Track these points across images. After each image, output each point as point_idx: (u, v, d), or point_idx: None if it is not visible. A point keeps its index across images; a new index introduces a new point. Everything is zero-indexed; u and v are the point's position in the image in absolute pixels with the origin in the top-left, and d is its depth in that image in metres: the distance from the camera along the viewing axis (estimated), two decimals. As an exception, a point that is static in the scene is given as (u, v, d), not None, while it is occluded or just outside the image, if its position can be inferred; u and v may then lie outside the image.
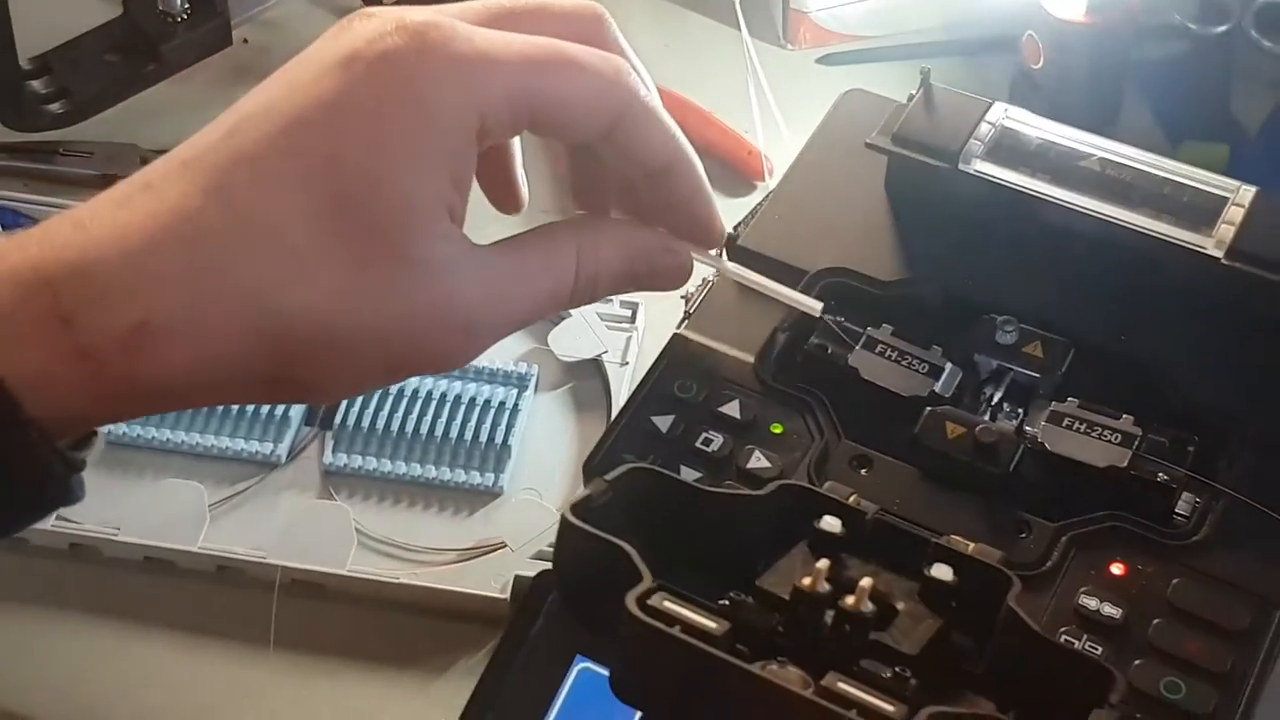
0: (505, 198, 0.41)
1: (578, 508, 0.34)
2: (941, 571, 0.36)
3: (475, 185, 0.36)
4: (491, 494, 0.58)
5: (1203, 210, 0.44)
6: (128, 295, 0.31)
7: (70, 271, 0.30)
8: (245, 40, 0.75)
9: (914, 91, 0.48)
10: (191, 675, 0.53)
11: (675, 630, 0.31)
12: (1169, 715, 0.37)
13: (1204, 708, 0.37)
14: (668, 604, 0.31)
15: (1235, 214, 0.44)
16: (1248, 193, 0.45)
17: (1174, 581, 0.39)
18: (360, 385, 0.36)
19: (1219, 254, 0.43)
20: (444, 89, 0.33)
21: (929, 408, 0.42)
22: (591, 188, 0.41)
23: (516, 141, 0.40)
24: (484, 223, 0.38)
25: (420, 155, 0.32)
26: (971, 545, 0.38)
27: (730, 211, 0.43)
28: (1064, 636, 0.38)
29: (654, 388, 0.44)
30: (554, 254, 0.37)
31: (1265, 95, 0.69)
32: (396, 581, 0.54)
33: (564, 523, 0.34)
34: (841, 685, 0.31)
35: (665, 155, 0.37)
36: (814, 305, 0.43)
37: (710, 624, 0.31)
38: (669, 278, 0.39)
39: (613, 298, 0.63)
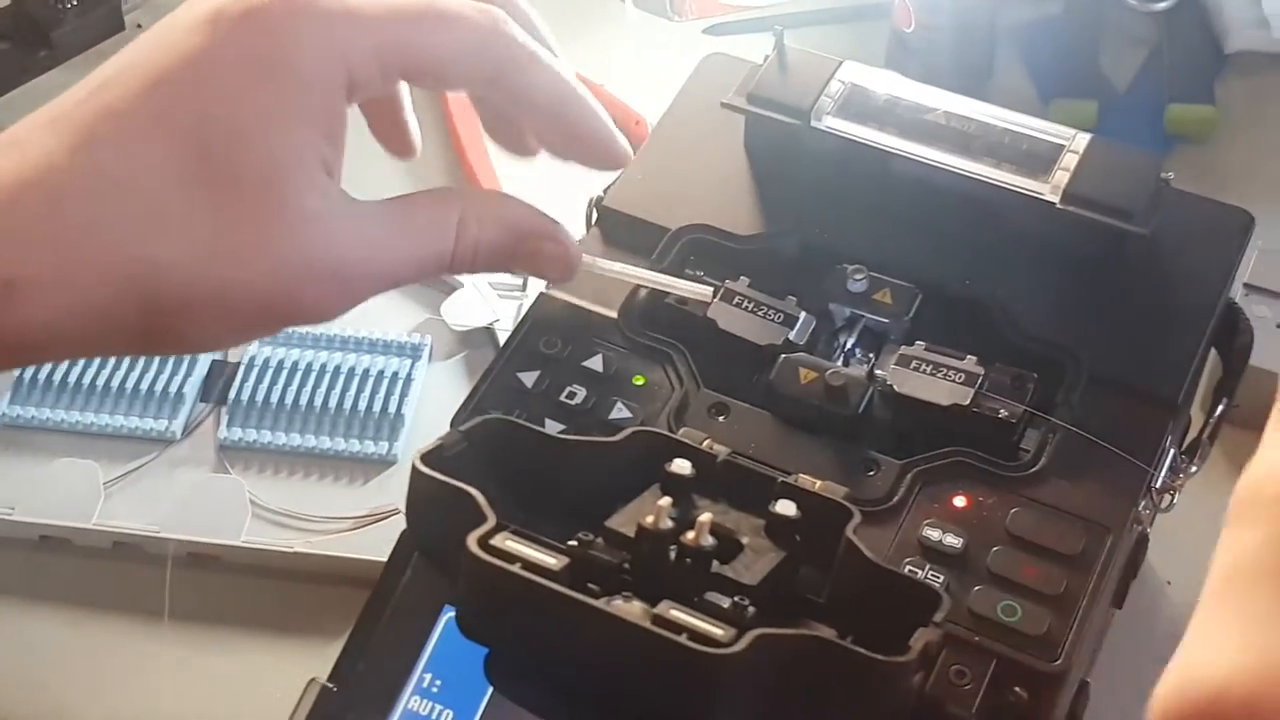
0: (396, 143, 0.41)
1: (429, 456, 0.35)
2: (785, 507, 0.38)
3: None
4: (386, 462, 0.59)
5: (1040, 158, 0.46)
6: None
7: None
8: (139, 25, 0.75)
9: (769, 53, 0.50)
10: (88, 650, 0.54)
11: (515, 567, 0.32)
12: (1006, 637, 0.39)
13: (1038, 628, 0.39)
14: (509, 543, 0.33)
15: (1070, 161, 0.46)
16: (1083, 140, 0.46)
17: (1012, 511, 0.41)
18: (235, 336, 0.36)
19: (1054, 199, 0.45)
20: (308, 44, 0.33)
21: (783, 355, 0.44)
22: (502, 126, 0.41)
23: (404, 88, 0.40)
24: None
25: (286, 110, 0.33)
26: (818, 483, 0.40)
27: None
28: (908, 567, 0.40)
29: (520, 345, 0.45)
30: (438, 216, 0.37)
31: (1133, 52, 0.72)
32: (291, 550, 0.56)
33: (414, 470, 0.35)
34: (674, 612, 0.32)
35: (553, 97, 0.38)
36: (704, 291, 0.45)
37: (549, 560, 0.33)
38: (552, 267, 0.40)
39: (503, 266, 0.64)
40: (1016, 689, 0.38)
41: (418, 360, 0.61)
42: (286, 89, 0.33)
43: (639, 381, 0.45)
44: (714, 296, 0.45)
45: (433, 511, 0.35)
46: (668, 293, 0.46)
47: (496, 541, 0.33)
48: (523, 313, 0.63)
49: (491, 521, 0.33)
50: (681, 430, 0.42)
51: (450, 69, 0.36)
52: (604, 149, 0.40)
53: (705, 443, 0.41)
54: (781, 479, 0.39)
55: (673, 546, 0.35)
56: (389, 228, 0.36)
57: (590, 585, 0.34)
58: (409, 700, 0.40)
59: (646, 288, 0.46)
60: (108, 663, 0.53)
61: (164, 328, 0.33)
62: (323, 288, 0.34)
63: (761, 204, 0.49)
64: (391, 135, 0.41)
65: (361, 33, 0.34)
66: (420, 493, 0.35)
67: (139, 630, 0.54)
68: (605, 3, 0.77)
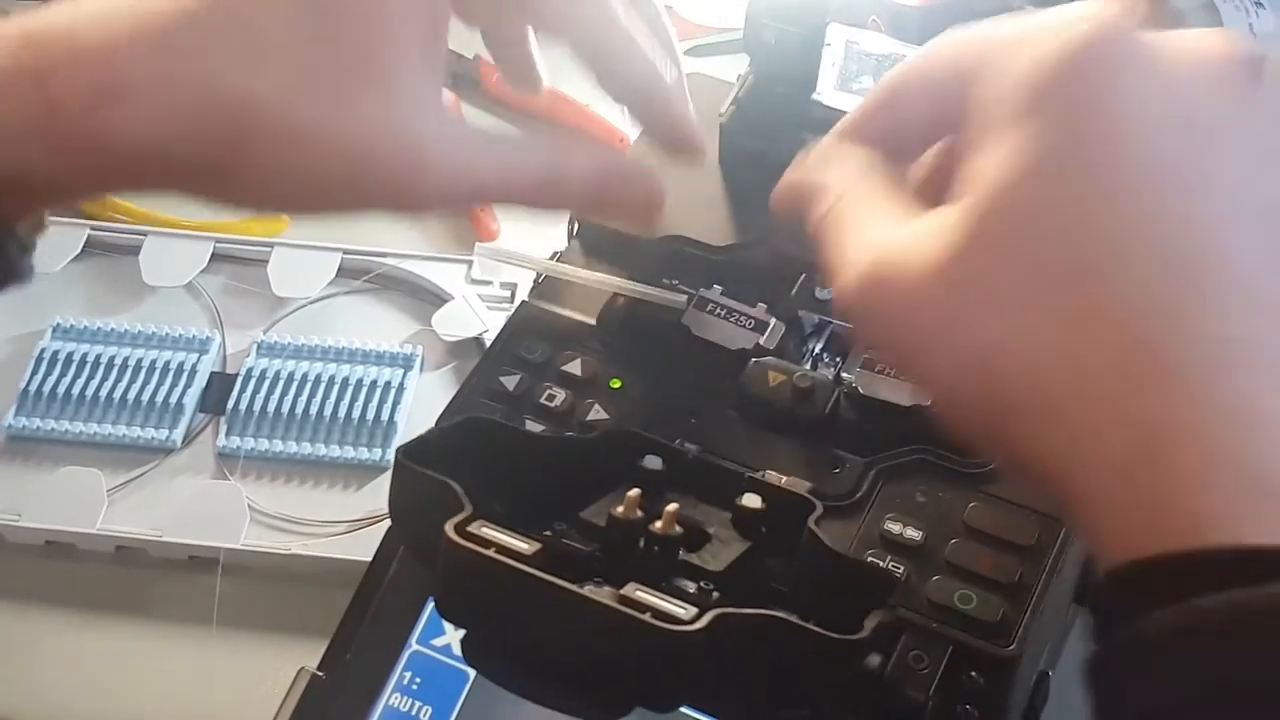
0: (523, 80, 0.43)
1: (410, 449, 0.37)
2: (750, 500, 0.40)
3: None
4: (379, 468, 0.61)
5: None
6: (103, 58, 0.33)
7: (53, 34, 0.33)
8: None
9: (741, 73, 0.52)
10: (92, 651, 0.56)
11: (490, 552, 0.34)
12: (963, 624, 0.41)
13: (993, 615, 0.41)
14: (485, 530, 0.35)
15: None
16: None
17: (970, 505, 0.43)
18: (297, 194, 0.36)
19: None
20: None
21: (753, 359, 0.46)
22: (521, 68, 0.43)
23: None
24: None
25: None
26: (784, 479, 0.42)
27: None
28: (870, 558, 0.42)
29: (502, 350, 0.47)
30: (533, 141, 0.38)
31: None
32: (288, 553, 0.58)
33: (396, 463, 0.37)
34: (640, 593, 0.34)
35: (642, 84, 0.39)
36: (679, 299, 0.47)
37: (523, 545, 0.35)
38: (635, 207, 0.40)
39: (491, 279, 0.66)
40: (972, 673, 0.40)
41: (409, 370, 0.64)
42: None
43: (616, 385, 0.47)
44: (688, 304, 0.48)
45: (414, 502, 0.37)
46: (644, 300, 0.48)
47: (473, 528, 0.35)
48: (510, 323, 0.66)
49: (469, 510, 0.35)
50: (655, 430, 0.44)
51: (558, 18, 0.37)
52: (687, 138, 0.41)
53: (677, 441, 0.43)
54: (749, 474, 0.41)
55: (642, 536, 0.37)
56: (478, 139, 0.36)
57: (564, 572, 0.36)
58: (390, 695, 0.42)
59: (624, 296, 0.48)
60: (111, 663, 0.55)
61: (237, 164, 0.34)
62: (397, 163, 0.35)
63: (734, 216, 0.51)
64: (514, 68, 0.42)
65: None
66: (402, 484, 0.37)
67: (141, 631, 0.56)
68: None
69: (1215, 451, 0.26)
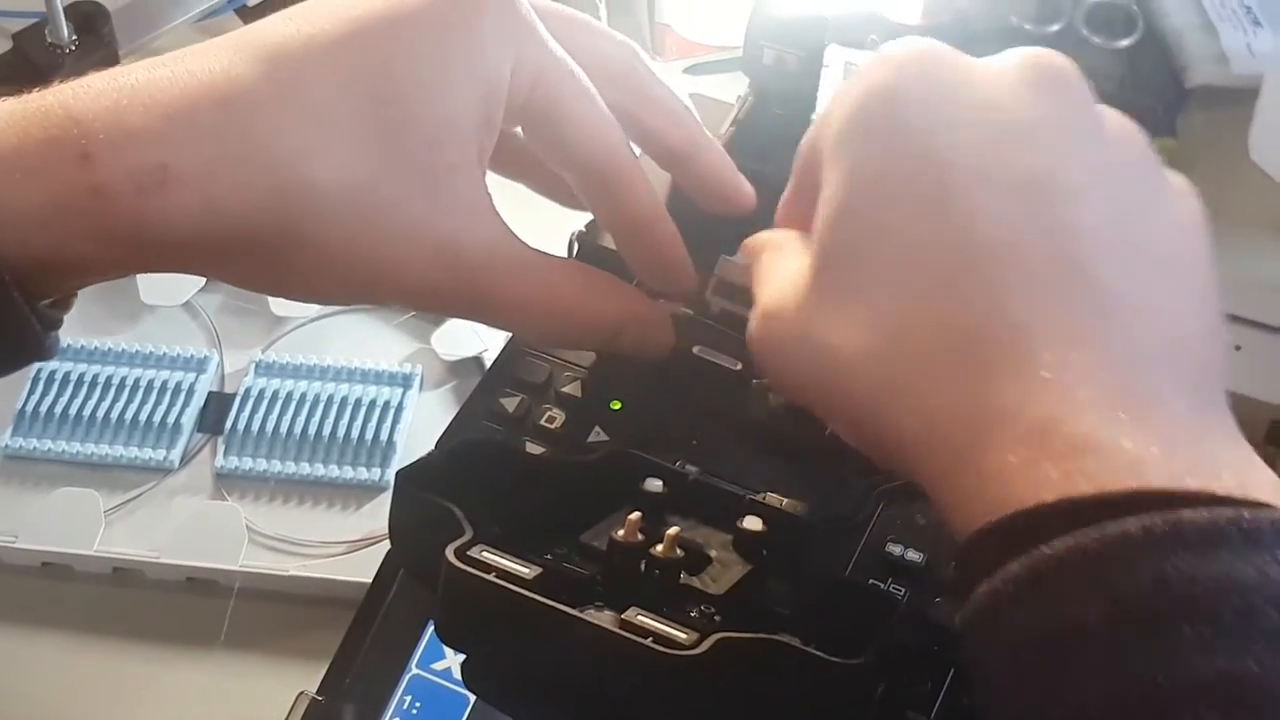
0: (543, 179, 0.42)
1: (410, 473, 0.37)
2: (751, 523, 0.40)
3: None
4: (378, 488, 0.61)
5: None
6: (153, 138, 0.31)
7: (99, 113, 0.31)
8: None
9: (741, 94, 0.52)
10: (89, 673, 0.56)
11: (490, 576, 0.34)
12: (966, 645, 0.41)
13: (996, 636, 0.41)
14: (485, 554, 0.35)
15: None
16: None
17: (973, 526, 0.43)
18: (338, 288, 0.36)
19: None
20: (495, 29, 0.35)
21: (755, 380, 0.46)
22: (550, 177, 0.42)
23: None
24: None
25: (466, 81, 0.34)
26: (785, 501, 0.42)
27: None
28: (871, 581, 0.42)
29: (501, 372, 0.47)
30: (568, 274, 0.39)
31: (1097, 88, 0.74)
32: (286, 574, 0.57)
33: (396, 486, 0.37)
34: (640, 618, 0.34)
35: (641, 216, 0.40)
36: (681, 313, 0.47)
37: (523, 570, 0.34)
38: (651, 351, 0.42)
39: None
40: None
41: (409, 389, 0.63)
42: (470, 63, 0.34)
43: (616, 406, 0.47)
44: (689, 324, 0.47)
45: (414, 526, 0.37)
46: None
47: (474, 552, 0.34)
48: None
49: (469, 534, 0.35)
50: (656, 452, 0.44)
51: (567, 144, 0.37)
52: (733, 193, 0.42)
53: (678, 463, 0.43)
54: (750, 496, 0.41)
55: (643, 560, 0.37)
56: (522, 258, 0.37)
57: (564, 596, 0.36)
58: (392, 716, 0.41)
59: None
60: (108, 685, 0.55)
61: (287, 255, 0.33)
62: (434, 272, 0.35)
63: (736, 237, 0.51)
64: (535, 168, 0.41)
65: (537, 51, 0.36)
66: (402, 508, 0.37)
67: (139, 653, 0.56)
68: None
69: (1035, 422, 0.28)
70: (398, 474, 0.37)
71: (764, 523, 0.40)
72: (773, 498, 0.42)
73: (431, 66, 0.34)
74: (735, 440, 0.46)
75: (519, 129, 0.38)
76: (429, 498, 0.36)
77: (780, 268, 0.35)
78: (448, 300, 0.36)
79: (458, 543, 0.35)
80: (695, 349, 0.47)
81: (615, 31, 0.39)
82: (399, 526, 0.38)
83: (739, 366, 0.47)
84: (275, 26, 0.34)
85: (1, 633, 0.57)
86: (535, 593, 0.34)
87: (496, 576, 0.34)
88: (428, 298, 0.36)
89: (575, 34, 0.38)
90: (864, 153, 0.32)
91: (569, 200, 0.43)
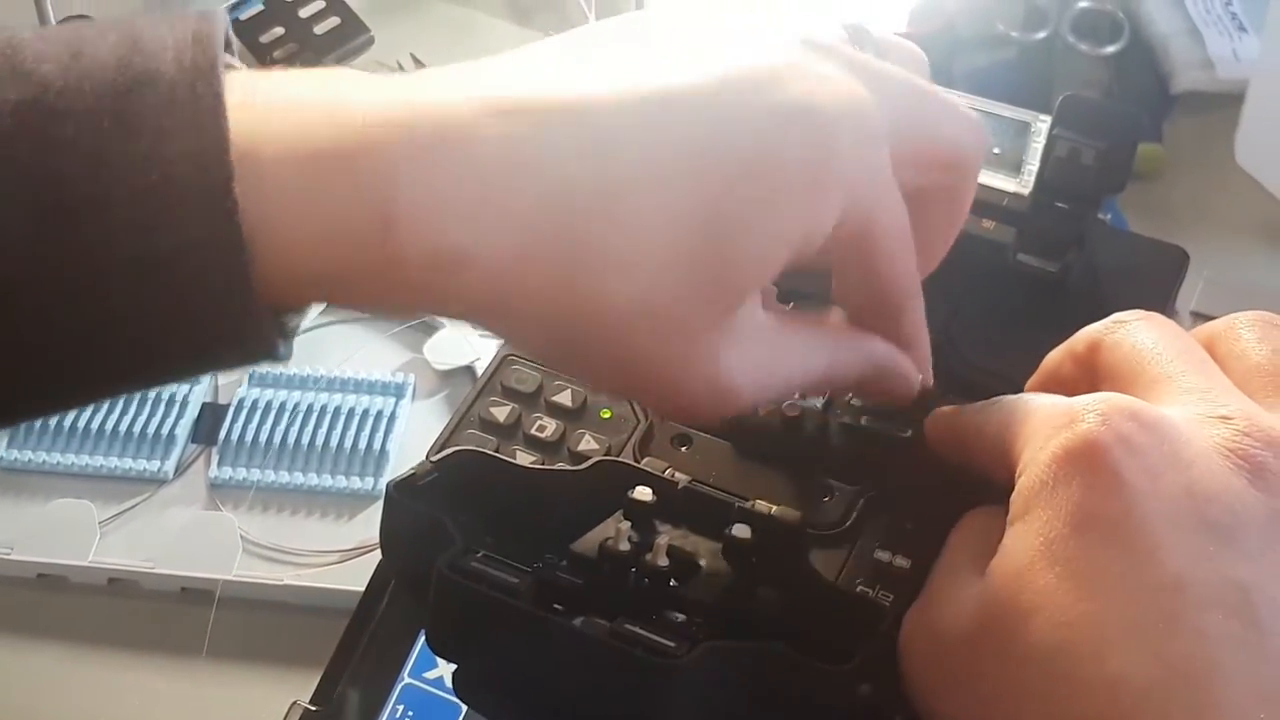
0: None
1: (402, 485, 0.37)
2: (740, 530, 0.40)
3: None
4: (371, 497, 0.61)
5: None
6: (460, 223, 0.29)
7: (408, 170, 0.29)
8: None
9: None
10: (85, 683, 0.56)
11: (481, 586, 0.34)
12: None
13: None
14: (475, 565, 0.35)
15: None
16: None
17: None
18: (609, 386, 0.36)
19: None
20: (843, 173, 0.32)
21: (742, 388, 0.47)
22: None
23: None
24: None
25: (793, 220, 0.32)
26: (773, 508, 0.42)
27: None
28: (860, 587, 0.42)
29: (492, 381, 0.47)
30: (819, 345, 0.37)
31: (1084, 94, 0.75)
32: (280, 583, 0.58)
33: (387, 498, 0.37)
34: (629, 627, 0.34)
35: (899, 291, 0.38)
36: None
37: (513, 580, 0.35)
38: (896, 400, 0.40)
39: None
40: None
41: (401, 399, 0.64)
42: (806, 207, 0.32)
43: (606, 415, 0.47)
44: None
45: (405, 537, 0.37)
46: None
47: (464, 563, 0.35)
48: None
49: (460, 544, 0.35)
50: (645, 460, 0.45)
51: (965, 160, 0.36)
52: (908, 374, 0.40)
53: (667, 471, 0.43)
54: (738, 504, 0.41)
55: (633, 569, 0.38)
56: (780, 353, 0.35)
57: (555, 605, 0.36)
58: (387, 724, 0.42)
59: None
60: (103, 695, 0.56)
61: (565, 348, 0.33)
62: (706, 398, 0.34)
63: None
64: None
65: (871, 182, 0.32)
66: (393, 519, 0.37)
67: (133, 662, 0.56)
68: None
69: None
70: (388, 485, 0.37)
71: (753, 530, 0.40)
72: (761, 504, 0.42)
73: (764, 208, 0.31)
74: (725, 448, 0.46)
75: None
76: (420, 508, 0.36)
77: (962, 575, 0.34)
78: (714, 415, 0.35)
79: (449, 553, 0.35)
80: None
81: (972, 113, 0.36)
82: (390, 537, 0.38)
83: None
84: (621, 113, 0.30)
85: (8, 650, 0.57)
86: (526, 602, 0.34)
87: (488, 587, 0.34)
88: (697, 416, 0.36)
89: (927, 110, 0.35)
90: (1076, 522, 0.31)
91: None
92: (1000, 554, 0.32)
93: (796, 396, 0.43)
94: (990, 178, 0.51)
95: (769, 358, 0.35)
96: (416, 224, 0.29)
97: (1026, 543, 0.31)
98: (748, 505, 0.42)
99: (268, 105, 0.29)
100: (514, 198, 0.29)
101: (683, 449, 0.46)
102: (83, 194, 0.27)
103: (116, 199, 0.27)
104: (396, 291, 0.30)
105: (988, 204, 0.51)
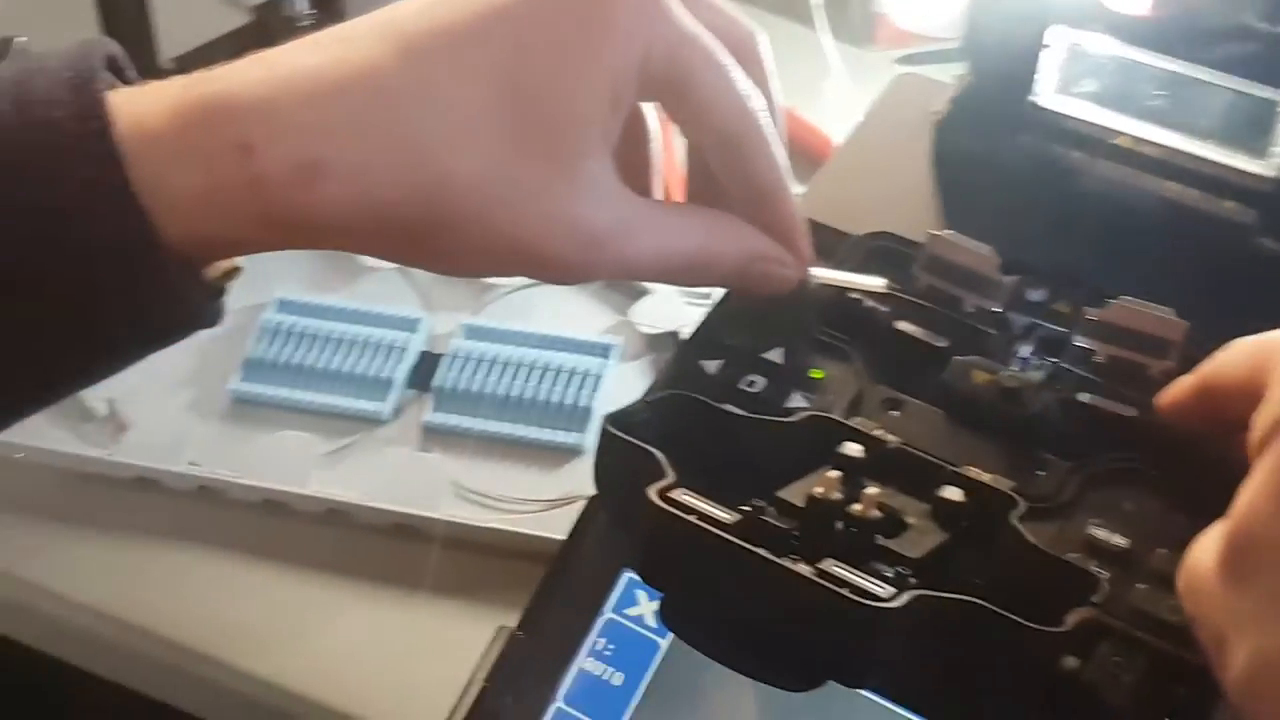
0: (639, 186, 0.43)
1: (616, 417, 0.38)
2: (951, 492, 0.40)
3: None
4: (575, 451, 0.62)
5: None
6: (308, 134, 0.34)
7: (257, 105, 0.33)
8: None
9: (961, 73, 0.52)
10: (300, 603, 0.59)
11: (691, 518, 0.35)
12: (1170, 634, 0.39)
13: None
14: (686, 497, 0.35)
15: None
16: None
17: (1183, 519, 0.42)
18: (481, 265, 0.38)
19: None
20: (628, 16, 0.36)
21: (956, 356, 0.46)
22: (703, 196, 0.43)
23: (656, 132, 0.43)
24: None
25: (597, 69, 0.36)
26: (986, 475, 0.42)
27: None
28: (1087, 566, 0.41)
29: (704, 335, 0.48)
30: (690, 225, 0.40)
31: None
32: (487, 527, 0.59)
33: (603, 430, 0.38)
34: (837, 569, 0.34)
35: (766, 185, 0.41)
36: (879, 283, 0.47)
37: (723, 514, 0.35)
38: (775, 287, 0.42)
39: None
40: (1176, 685, 0.39)
41: (607, 360, 0.65)
42: (601, 51, 0.36)
43: (817, 375, 0.47)
44: (890, 299, 0.48)
45: (618, 469, 0.38)
46: (848, 292, 0.48)
47: (675, 495, 0.35)
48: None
49: (672, 478, 0.36)
50: (855, 419, 0.44)
51: (704, 114, 0.38)
52: (788, 248, 0.42)
53: (877, 432, 0.43)
54: (950, 467, 0.41)
55: (839, 519, 0.38)
56: (646, 220, 0.38)
57: (761, 545, 0.37)
58: (584, 659, 0.43)
59: (830, 288, 0.49)
60: (315, 616, 0.58)
61: (434, 239, 0.36)
62: (570, 248, 0.37)
63: (946, 214, 0.51)
64: (634, 175, 0.42)
65: (668, 29, 0.36)
66: (607, 451, 0.38)
67: (346, 588, 0.59)
68: (803, 34, 0.80)
69: None
70: (605, 418, 0.38)
71: (964, 493, 0.40)
72: (974, 470, 0.42)
73: (563, 58, 0.35)
74: (936, 415, 0.45)
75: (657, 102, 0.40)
76: (634, 442, 0.37)
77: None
78: (585, 271, 0.38)
79: (660, 484, 0.36)
80: (899, 324, 0.47)
81: (741, 15, 0.39)
82: (603, 470, 0.39)
83: (943, 344, 0.47)
84: (413, 16, 0.35)
85: (224, 561, 0.60)
86: (735, 537, 0.35)
87: (697, 519, 0.35)
88: (567, 271, 0.37)
89: (699, 10, 0.38)
90: None
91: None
92: (1238, 497, 0.32)
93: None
94: (1232, 158, 0.49)
95: (635, 221, 0.38)
96: (271, 144, 0.33)
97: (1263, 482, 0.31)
98: (959, 470, 0.41)
99: (139, 88, 0.35)
100: (353, 108, 0.34)
101: (893, 412, 0.46)
102: None
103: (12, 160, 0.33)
104: (271, 215, 0.34)
105: (1229, 184, 0.49)
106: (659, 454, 0.37)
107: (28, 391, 0.36)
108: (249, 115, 0.34)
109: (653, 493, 0.35)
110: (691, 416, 0.41)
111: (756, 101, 0.39)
